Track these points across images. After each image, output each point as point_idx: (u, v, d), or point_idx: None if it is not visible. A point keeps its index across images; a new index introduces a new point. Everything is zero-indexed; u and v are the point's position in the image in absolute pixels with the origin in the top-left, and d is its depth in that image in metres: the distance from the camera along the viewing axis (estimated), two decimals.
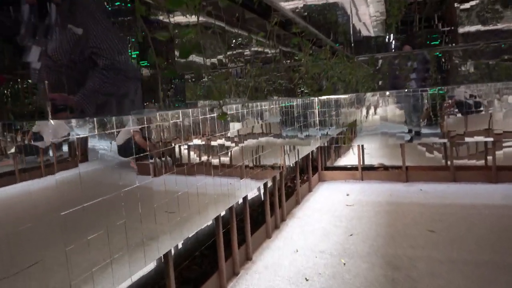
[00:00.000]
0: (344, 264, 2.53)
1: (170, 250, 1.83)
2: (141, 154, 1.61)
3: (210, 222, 2.31)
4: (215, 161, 2.23)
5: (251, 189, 2.75)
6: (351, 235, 3.00)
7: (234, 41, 2.48)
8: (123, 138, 1.61)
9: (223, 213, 2.38)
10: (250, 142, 2.76)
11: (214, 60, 2.29)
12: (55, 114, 1.19)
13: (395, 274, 2.35)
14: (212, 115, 2.24)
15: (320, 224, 3.28)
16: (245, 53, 2.49)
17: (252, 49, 2.22)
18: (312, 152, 4.64)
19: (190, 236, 2.12)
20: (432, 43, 5.96)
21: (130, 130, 1.62)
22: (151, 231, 1.63)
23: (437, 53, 5.48)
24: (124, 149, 1.58)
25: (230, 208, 2.49)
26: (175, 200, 1.81)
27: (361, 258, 2.58)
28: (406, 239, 2.84)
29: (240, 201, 2.72)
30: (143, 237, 1.57)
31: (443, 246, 2.69)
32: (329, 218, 3.41)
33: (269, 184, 3.33)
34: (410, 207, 3.61)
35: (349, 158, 5.43)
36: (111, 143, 1.56)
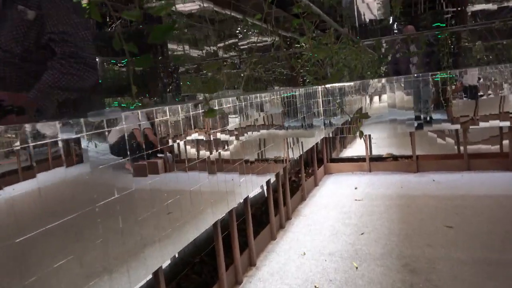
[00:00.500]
0: (357, 268, 2.31)
1: (161, 266, 1.62)
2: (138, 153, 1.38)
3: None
4: (212, 159, 2.01)
5: (253, 188, 2.53)
6: (362, 233, 2.78)
7: (228, 28, 2.23)
8: (116, 136, 1.41)
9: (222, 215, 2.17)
10: (250, 136, 2.53)
11: (209, 51, 2.06)
12: (1, 118, 0.96)
13: (413, 279, 2.13)
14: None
15: (328, 222, 3.06)
16: (241, 41, 2.25)
17: (248, 34, 1.98)
18: (316, 143, 4.40)
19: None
20: (441, 25, 5.67)
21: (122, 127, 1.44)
22: (136, 247, 1.41)
23: (445, 34, 5.19)
24: (117, 148, 1.39)
25: (230, 210, 2.27)
26: (164, 209, 1.59)
27: (375, 261, 2.37)
28: (422, 237, 2.62)
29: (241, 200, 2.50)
30: (126, 255, 1.35)
31: (464, 244, 2.46)
32: (337, 215, 3.19)
33: (273, 180, 3.11)
34: (423, 199, 3.38)
35: (356, 149, 5.20)
36: (95, 144, 1.34)
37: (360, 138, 1.55)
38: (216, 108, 0.92)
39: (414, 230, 2.74)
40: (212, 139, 2.05)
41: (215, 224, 2.06)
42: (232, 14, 1.83)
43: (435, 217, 2.94)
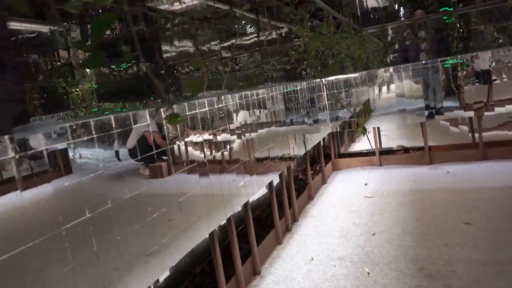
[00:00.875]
0: (368, 273, 2.14)
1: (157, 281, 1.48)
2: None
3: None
4: (205, 161, 1.85)
5: (254, 191, 2.37)
6: (373, 234, 2.61)
7: (217, 23, 2.08)
8: (134, 140, 1.44)
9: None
10: (251, 136, 2.37)
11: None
12: None
13: (431, 284, 1.95)
14: (201, 109, 1.86)
15: (337, 223, 2.89)
16: (232, 37, 2.09)
17: (237, 27, 1.81)
18: (323, 139, 4.23)
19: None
20: (448, 9, 5.42)
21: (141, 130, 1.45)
22: (117, 268, 1.27)
23: (452, 18, 4.94)
24: (135, 152, 1.43)
25: (229, 217, 2.11)
26: (149, 225, 1.45)
27: (388, 265, 2.19)
28: (439, 236, 2.44)
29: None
30: (105, 279, 1.21)
31: (485, 243, 2.27)
32: (346, 215, 3.02)
33: (278, 180, 2.95)
34: (438, 194, 3.18)
35: (365, 142, 4.99)
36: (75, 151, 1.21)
37: (363, 135, 1.38)
38: (172, 115, 0.77)
39: (429, 229, 2.56)
40: (203, 140, 1.90)
41: (211, 235, 1.91)
42: (216, 5, 1.68)
43: (451, 213, 2.75)
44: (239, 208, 2.23)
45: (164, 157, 1.63)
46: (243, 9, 1.65)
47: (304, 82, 3.44)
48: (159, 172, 1.60)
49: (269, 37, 2.34)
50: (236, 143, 2.23)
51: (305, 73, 4.12)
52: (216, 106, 1.99)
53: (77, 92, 2.52)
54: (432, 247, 2.31)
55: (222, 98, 1.86)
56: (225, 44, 2.15)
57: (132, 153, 1.45)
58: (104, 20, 0.71)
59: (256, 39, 2.59)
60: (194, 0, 1.71)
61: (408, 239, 2.46)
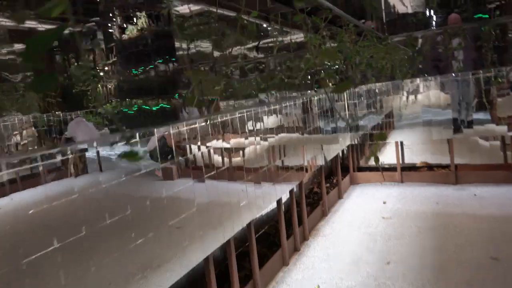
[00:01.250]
0: None
1: None
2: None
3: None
4: (204, 175, 1.70)
5: (258, 211, 2.21)
6: (387, 263, 2.39)
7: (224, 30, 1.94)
8: (154, 143, 1.48)
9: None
10: (256, 150, 2.21)
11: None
12: None
13: None
14: (201, 124, 1.72)
15: (349, 246, 2.68)
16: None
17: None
18: (342, 150, 4.01)
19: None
20: (483, 16, 5.11)
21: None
22: None
23: (490, 27, 4.62)
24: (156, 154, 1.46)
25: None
26: (132, 252, 1.31)
27: None
28: (461, 272, 2.20)
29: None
30: None
31: None
32: (361, 237, 2.81)
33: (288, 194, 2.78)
34: (463, 220, 2.92)
35: (386, 156, 4.74)
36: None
37: (376, 164, 1.20)
38: (128, 153, 0.61)
39: (451, 262, 2.32)
40: (201, 153, 1.75)
41: (206, 259, 1.76)
42: (219, 11, 1.53)
43: (477, 244, 2.50)
44: (243, 226, 2.07)
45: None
46: (251, 16, 1.49)
47: (322, 95, 3.24)
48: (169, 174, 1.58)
49: (280, 45, 2.18)
50: (240, 154, 2.07)
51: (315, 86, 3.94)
52: (218, 120, 1.84)
53: (98, 90, 2.48)
54: (452, 285, 2.08)
55: (212, 118, 1.71)
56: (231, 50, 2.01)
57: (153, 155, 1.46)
58: (42, 39, 0.56)
59: (271, 45, 2.42)
60: (195, 5, 1.57)
61: (426, 272, 2.23)
